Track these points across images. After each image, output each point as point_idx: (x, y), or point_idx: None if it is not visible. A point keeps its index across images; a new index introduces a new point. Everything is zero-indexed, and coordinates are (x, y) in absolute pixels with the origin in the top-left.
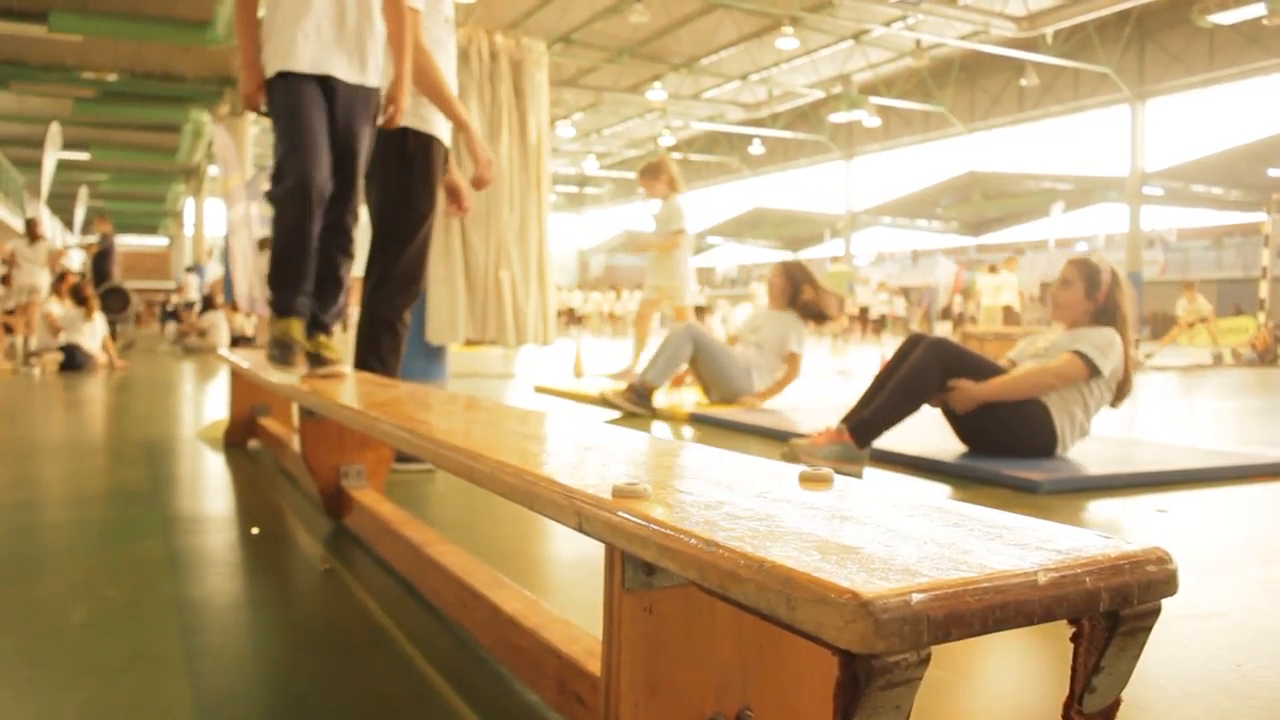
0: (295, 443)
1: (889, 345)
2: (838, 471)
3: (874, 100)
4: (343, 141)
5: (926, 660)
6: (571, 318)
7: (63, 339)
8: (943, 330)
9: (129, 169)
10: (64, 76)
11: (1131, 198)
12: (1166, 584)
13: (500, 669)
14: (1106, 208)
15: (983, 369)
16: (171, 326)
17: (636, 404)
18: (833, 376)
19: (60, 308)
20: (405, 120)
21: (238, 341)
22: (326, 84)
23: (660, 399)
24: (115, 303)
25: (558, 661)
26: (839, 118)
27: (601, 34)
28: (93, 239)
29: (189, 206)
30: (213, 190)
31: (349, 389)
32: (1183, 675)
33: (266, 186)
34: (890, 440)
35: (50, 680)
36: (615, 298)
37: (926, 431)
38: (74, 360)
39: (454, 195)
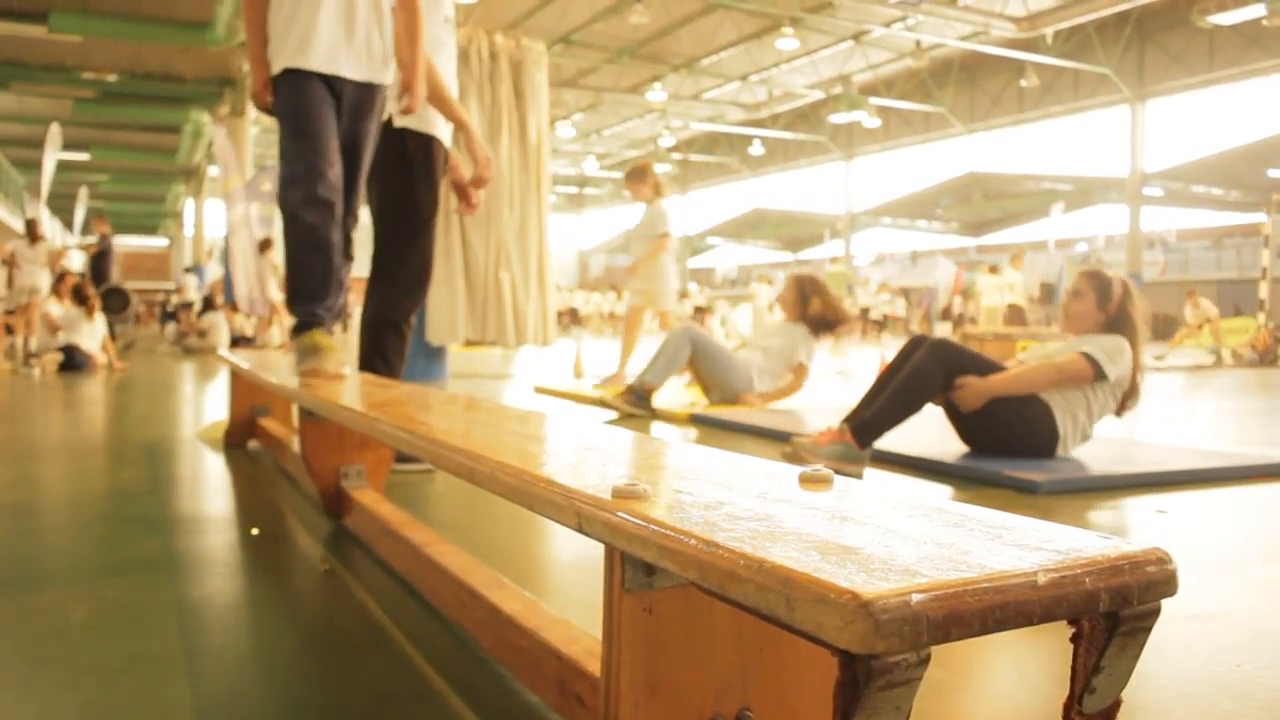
0: (295, 443)
1: (889, 346)
2: (839, 471)
3: (874, 101)
4: (348, 141)
5: (926, 660)
6: (574, 318)
7: (62, 339)
8: (943, 331)
9: (129, 169)
10: (64, 77)
11: (1131, 198)
12: (1166, 584)
13: (500, 669)
14: (1106, 208)
15: (985, 368)
16: (171, 327)
17: (635, 405)
18: (833, 377)
19: (59, 308)
20: (404, 121)
21: (237, 342)
22: (334, 82)
23: (663, 399)
24: (115, 303)
25: (557, 662)
26: (839, 118)
27: (601, 34)
28: (91, 239)
29: (189, 207)
30: (213, 191)
31: (349, 390)
32: (1183, 676)
33: (267, 187)
34: (890, 441)
35: (50, 681)
36: (616, 298)
37: (926, 432)
38: (73, 361)
39: (462, 193)
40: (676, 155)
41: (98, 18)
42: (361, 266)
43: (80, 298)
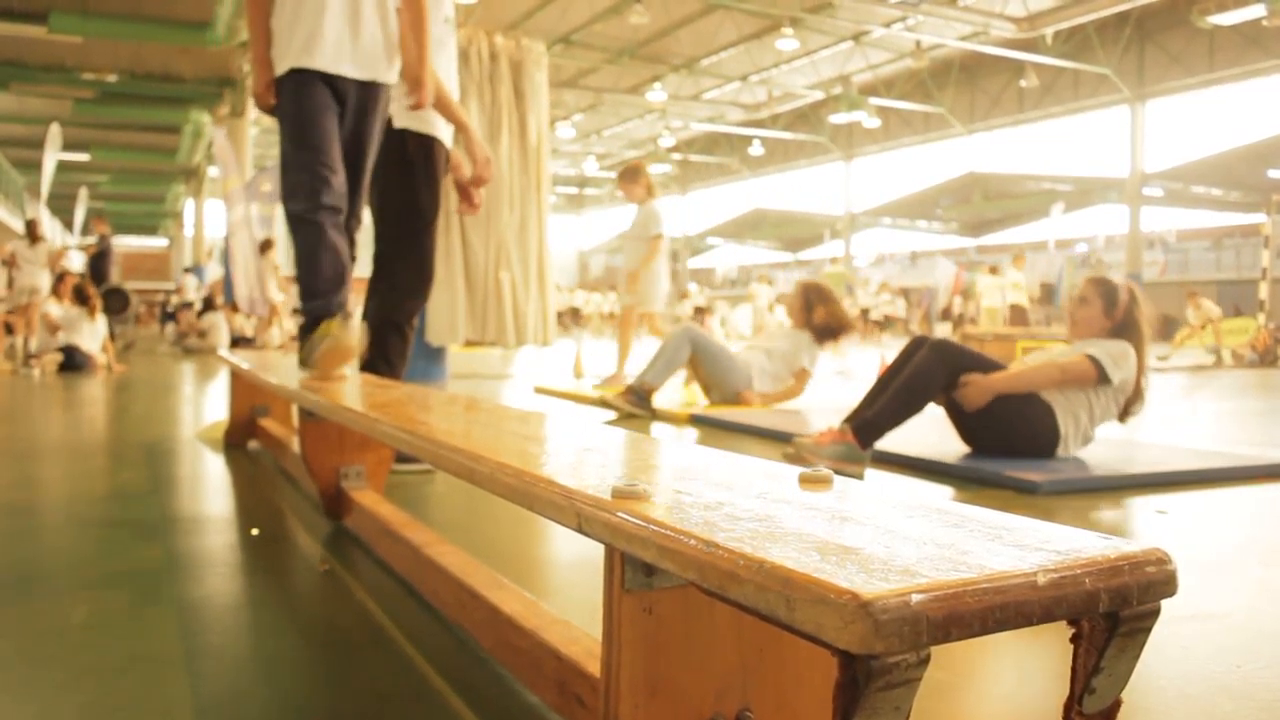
0: (295, 444)
1: (889, 347)
2: (840, 472)
3: (874, 101)
4: (351, 142)
5: (926, 661)
6: (575, 318)
7: (61, 339)
8: (942, 331)
9: (129, 170)
10: (64, 77)
11: (1131, 199)
12: (1166, 585)
13: (500, 670)
14: (1106, 209)
15: (987, 368)
16: (171, 327)
17: (635, 405)
18: (833, 377)
19: (59, 308)
20: (405, 122)
21: (237, 342)
22: (338, 82)
23: (663, 399)
24: (114, 304)
25: (557, 662)
26: (839, 119)
27: (601, 35)
28: (91, 240)
29: (189, 207)
30: (213, 191)
31: (349, 390)
32: (1182, 676)
33: (267, 187)
34: (890, 441)
35: (50, 681)
36: (616, 298)
37: (926, 432)
38: (73, 361)
39: (463, 193)
40: (676, 156)
41: (98, 18)
42: (362, 267)
43: (82, 298)
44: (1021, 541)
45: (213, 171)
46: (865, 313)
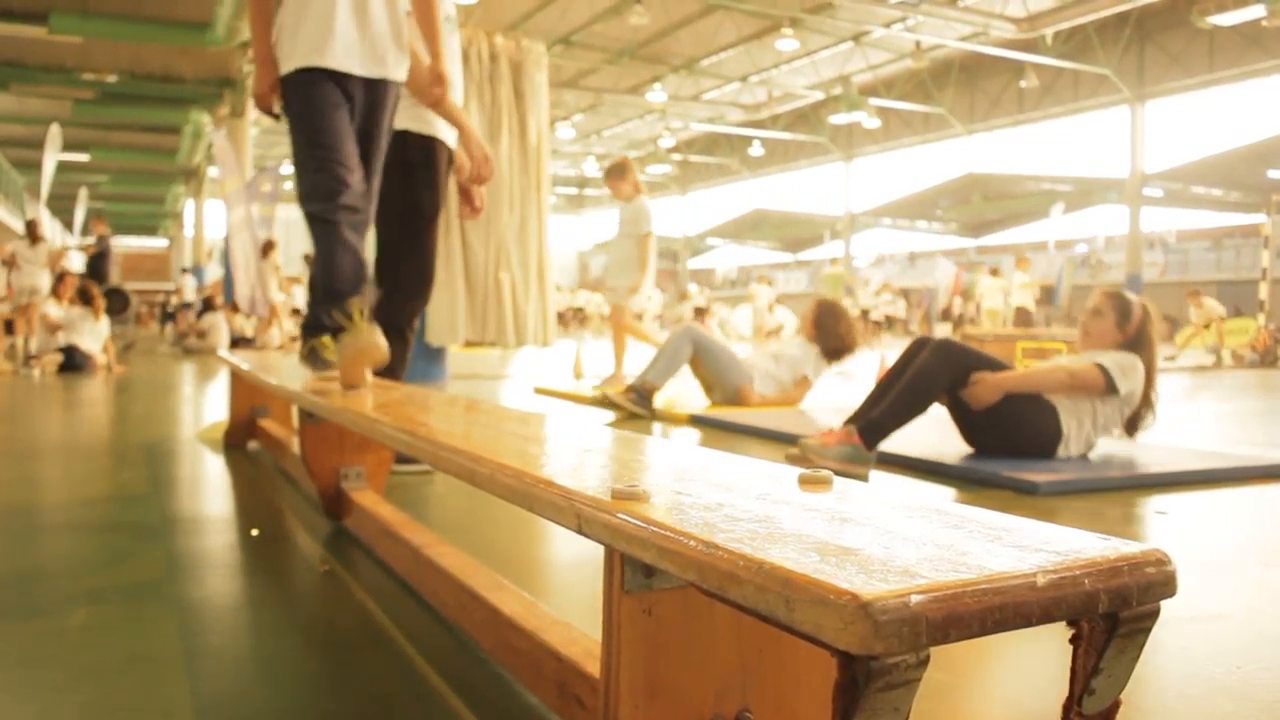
0: (295, 444)
1: (890, 348)
2: (846, 473)
3: (874, 101)
4: (360, 142)
5: (925, 661)
6: (580, 319)
7: (61, 339)
8: (943, 331)
9: (129, 170)
10: (64, 78)
11: (1131, 199)
12: (1165, 585)
13: (500, 671)
14: (1106, 209)
15: (992, 367)
16: (171, 328)
17: (638, 404)
18: (833, 378)
19: (58, 309)
20: (405, 122)
21: (237, 343)
22: (347, 80)
23: (663, 399)
24: (114, 304)
25: (557, 663)
26: (839, 119)
27: (601, 35)
28: (90, 240)
29: (189, 208)
30: (213, 192)
31: (361, 396)
32: (1182, 677)
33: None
34: (890, 442)
35: (50, 681)
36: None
37: (926, 433)
38: (73, 361)
39: (464, 195)
40: (676, 156)
41: (98, 18)
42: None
43: (86, 298)
44: (1021, 542)
45: (213, 172)
46: (865, 313)
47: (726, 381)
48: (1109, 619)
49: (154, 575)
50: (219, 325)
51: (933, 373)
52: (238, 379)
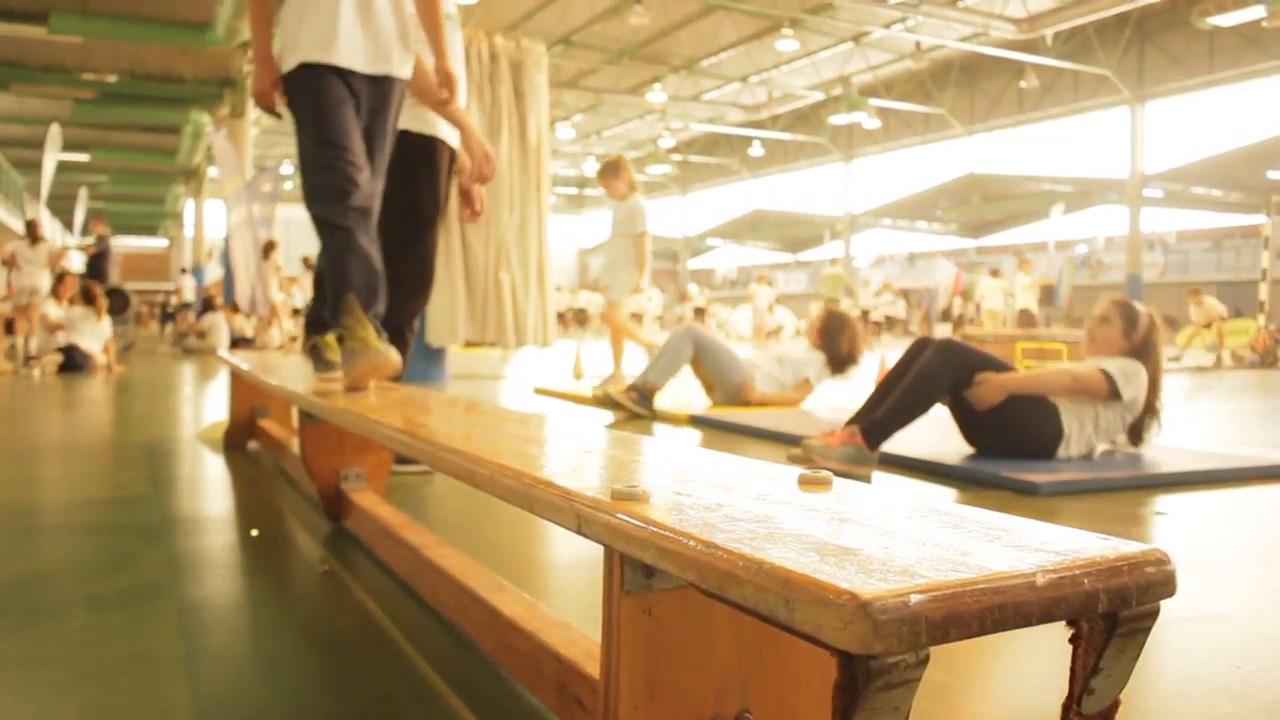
0: (295, 445)
1: (890, 348)
2: (849, 474)
3: (874, 102)
4: (365, 141)
5: (925, 661)
6: (576, 318)
7: (61, 339)
8: (942, 331)
9: (129, 170)
10: (64, 78)
11: (1131, 200)
12: (1165, 585)
13: (500, 671)
14: (1106, 210)
15: (994, 367)
16: (171, 328)
17: (638, 404)
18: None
19: (58, 309)
20: (405, 122)
21: (237, 343)
22: (351, 78)
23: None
24: (115, 304)
25: (557, 664)
26: (839, 119)
27: (601, 36)
28: (90, 240)
29: (189, 208)
30: (213, 192)
31: (360, 396)
32: (1182, 677)
33: (267, 188)
34: (890, 442)
35: (50, 682)
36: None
37: (926, 433)
38: (73, 361)
39: (466, 197)
40: (676, 156)
41: (98, 18)
42: None
43: (89, 298)
44: (1020, 542)
45: (213, 172)
46: (865, 314)
47: (727, 381)
48: (1109, 619)
49: (154, 575)
50: (219, 325)
51: (936, 373)
52: (237, 379)
